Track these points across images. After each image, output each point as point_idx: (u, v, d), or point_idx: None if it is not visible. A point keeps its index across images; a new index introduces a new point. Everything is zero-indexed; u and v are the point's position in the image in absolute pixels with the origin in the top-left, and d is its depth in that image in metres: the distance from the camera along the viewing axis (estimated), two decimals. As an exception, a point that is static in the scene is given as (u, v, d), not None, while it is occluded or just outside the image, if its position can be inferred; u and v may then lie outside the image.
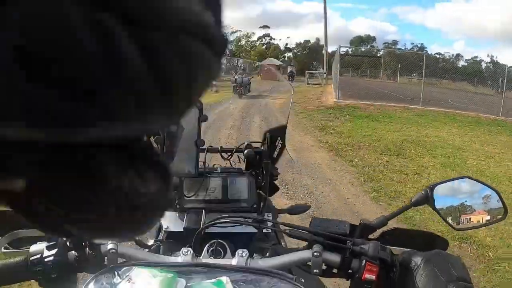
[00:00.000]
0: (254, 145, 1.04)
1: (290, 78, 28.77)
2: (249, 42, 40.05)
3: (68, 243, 0.59)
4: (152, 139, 0.89)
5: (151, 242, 0.85)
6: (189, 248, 0.63)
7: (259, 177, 0.98)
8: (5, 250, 0.70)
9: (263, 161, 0.97)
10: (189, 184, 0.93)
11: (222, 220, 0.70)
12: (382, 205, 3.42)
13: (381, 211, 3.15)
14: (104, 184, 0.13)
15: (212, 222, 0.70)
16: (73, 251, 0.59)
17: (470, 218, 0.69)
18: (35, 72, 0.10)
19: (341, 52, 11.35)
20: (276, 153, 1.01)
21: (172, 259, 0.64)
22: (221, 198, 0.94)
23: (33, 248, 0.59)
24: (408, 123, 7.95)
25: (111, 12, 0.10)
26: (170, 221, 0.92)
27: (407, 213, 2.90)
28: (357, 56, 19.94)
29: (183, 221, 0.88)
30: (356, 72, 19.99)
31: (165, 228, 0.91)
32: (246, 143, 1.04)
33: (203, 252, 0.70)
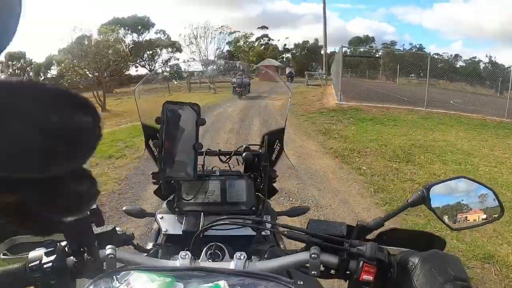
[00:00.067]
0: (252, 148, 1.04)
1: (289, 79, 28.66)
2: (247, 43, 39.81)
3: (66, 249, 0.59)
4: (150, 142, 0.91)
5: (150, 245, 0.85)
6: (188, 252, 0.63)
7: (258, 180, 0.99)
8: (4, 257, 0.71)
9: (261, 164, 0.97)
10: (188, 187, 0.94)
11: (219, 223, 0.69)
12: (397, 220, 3.14)
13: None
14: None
15: (210, 225, 0.69)
16: (71, 257, 0.59)
17: (466, 217, 0.68)
18: None
19: (341, 53, 11.03)
20: (274, 155, 1.01)
21: (170, 263, 0.64)
22: (220, 201, 0.94)
23: (32, 254, 0.59)
24: (413, 126, 7.74)
25: None
26: (169, 224, 0.92)
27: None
28: (357, 57, 19.71)
29: (182, 224, 0.88)
30: (355, 73, 19.82)
31: (164, 231, 0.91)
32: (244, 146, 1.04)
33: (202, 255, 0.70)
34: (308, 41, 45.86)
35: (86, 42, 16.29)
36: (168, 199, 1.00)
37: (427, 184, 0.68)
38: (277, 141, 1.01)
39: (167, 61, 38.54)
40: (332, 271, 0.64)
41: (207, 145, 1.04)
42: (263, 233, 0.86)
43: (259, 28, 45.99)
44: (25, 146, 0.15)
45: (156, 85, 1.41)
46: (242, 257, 0.62)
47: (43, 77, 34.74)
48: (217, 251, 0.71)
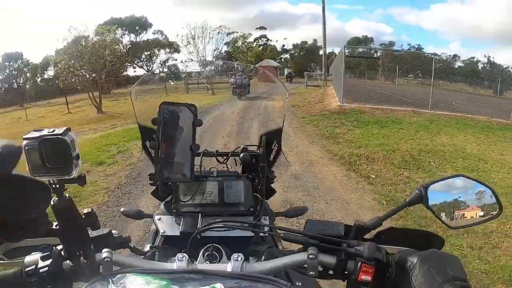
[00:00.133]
0: (250, 148, 1.04)
1: (289, 79, 28.49)
2: (245, 43, 39.50)
3: (62, 253, 0.59)
4: (147, 143, 0.91)
5: (147, 247, 0.85)
6: (185, 254, 0.62)
7: (256, 181, 0.99)
8: (0, 261, 0.71)
9: (259, 165, 0.97)
10: (185, 188, 0.94)
11: (216, 225, 0.68)
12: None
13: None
14: None
15: (206, 227, 0.68)
16: (67, 261, 0.59)
17: (464, 214, 0.68)
18: None
19: (343, 53, 10.69)
20: (272, 156, 1.01)
21: (167, 265, 0.64)
22: (218, 202, 0.95)
23: (28, 258, 0.58)
24: (419, 129, 7.50)
25: None
26: (167, 226, 0.93)
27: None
28: (356, 57, 19.49)
29: (180, 225, 0.89)
30: (353, 73, 19.63)
31: (162, 233, 0.92)
32: (242, 147, 1.04)
33: (199, 257, 0.70)
34: (306, 42, 45.81)
35: (83, 43, 15.91)
36: (166, 200, 1.00)
37: (425, 183, 0.67)
38: (275, 141, 1.01)
39: (165, 61, 38.28)
40: (330, 272, 0.63)
41: (205, 146, 1.04)
42: (261, 234, 0.87)
43: (257, 28, 45.89)
44: None
45: (153, 86, 1.39)
46: (239, 259, 0.61)
47: (40, 78, 34.31)
48: (214, 253, 0.71)
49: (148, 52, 39.47)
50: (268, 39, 45.61)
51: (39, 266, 0.56)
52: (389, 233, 0.69)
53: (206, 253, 0.71)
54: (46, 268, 0.56)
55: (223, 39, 32.41)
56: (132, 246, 0.74)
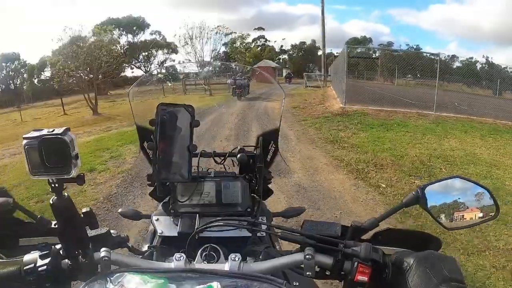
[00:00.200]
0: (247, 149, 1.05)
1: (288, 80, 28.26)
2: (244, 44, 39.24)
3: (61, 252, 0.59)
4: (145, 144, 0.92)
5: (145, 247, 0.85)
6: (182, 254, 0.62)
7: (253, 181, 0.99)
8: None
9: (256, 165, 0.97)
10: (183, 189, 0.94)
11: (213, 225, 0.68)
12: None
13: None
14: None
15: (204, 227, 0.69)
16: (66, 260, 0.59)
17: (463, 216, 0.68)
18: None
19: (346, 53, 10.37)
20: (269, 157, 1.02)
21: (164, 265, 0.64)
22: (215, 202, 0.95)
23: (27, 257, 0.59)
24: (426, 133, 7.28)
25: None
26: (165, 226, 0.92)
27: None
28: (356, 58, 19.25)
29: (178, 225, 0.89)
30: (352, 74, 19.44)
31: (160, 233, 0.91)
32: (239, 147, 1.05)
33: (197, 257, 0.70)
34: (305, 42, 45.62)
35: (80, 43, 15.55)
36: (164, 201, 1.00)
37: (422, 184, 0.67)
38: (272, 142, 1.01)
39: (162, 62, 37.96)
40: (327, 272, 0.63)
41: (203, 147, 1.05)
42: (258, 234, 0.86)
43: (255, 29, 45.66)
44: None
45: (150, 87, 1.38)
46: (236, 259, 0.61)
47: (37, 79, 33.97)
48: (212, 253, 0.71)
49: (146, 53, 39.12)
50: (266, 40, 45.46)
51: (37, 264, 0.57)
52: (386, 234, 0.69)
53: (204, 253, 0.71)
54: (45, 267, 0.57)
55: (221, 40, 32.10)
56: (130, 246, 0.75)
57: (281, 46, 46.25)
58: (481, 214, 0.68)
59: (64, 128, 0.52)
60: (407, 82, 20.78)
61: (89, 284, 0.51)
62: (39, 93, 31.14)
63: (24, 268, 0.56)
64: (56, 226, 0.57)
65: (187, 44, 27.69)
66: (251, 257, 0.72)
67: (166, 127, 0.78)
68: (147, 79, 1.31)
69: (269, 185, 1.06)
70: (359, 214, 3.30)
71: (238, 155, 1.02)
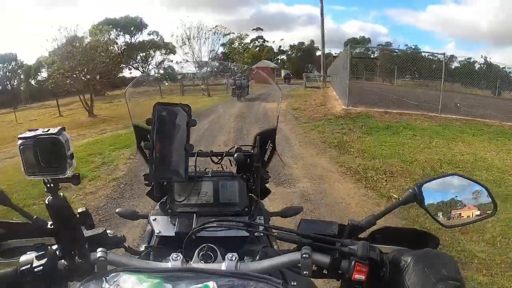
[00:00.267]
0: (244, 148, 1.05)
1: (287, 80, 28.00)
2: (242, 44, 38.96)
3: (57, 252, 0.59)
4: (142, 144, 0.92)
5: (143, 247, 0.86)
6: (179, 254, 0.63)
7: (250, 181, 1.00)
8: None
9: (253, 165, 0.98)
10: (180, 189, 0.94)
11: (210, 224, 0.69)
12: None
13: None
14: None
15: (201, 227, 0.69)
16: (62, 260, 0.60)
17: (460, 213, 0.67)
18: None
19: (349, 53, 10.07)
20: (266, 156, 1.02)
21: (161, 264, 0.64)
22: (213, 202, 0.95)
23: (23, 258, 0.59)
24: (434, 136, 7.06)
25: None
26: (162, 226, 0.93)
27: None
28: (355, 58, 19.02)
29: (175, 225, 0.89)
30: (352, 75, 19.23)
31: (157, 233, 0.92)
32: (236, 147, 1.05)
33: (194, 257, 0.70)
34: (303, 43, 45.43)
35: (76, 43, 15.20)
36: (161, 200, 1.00)
37: (419, 182, 0.66)
38: (269, 141, 1.02)
39: (160, 62, 37.58)
40: (324, 271, 0.62)
41: (202, 147, 1.05)
42: (256, 233, 0.88)
43: (253, 29, 45.44)
44: None
45: (147, 87, 1.34)
46: (233, 258, 0.62)
47: (33, 80, 33.60)
48: (209, 253, 0.71)
49: (144, 53, 38.76)
50: (264, 40, 45.33)
51: (34, 265, 0.57)
52: (384, 232, 0.69)
53: (201, 253, 0.71)
54: (41, 268, 0.56)
55: (219, 40, 31.74)
56: (127, 246, 0.74)
57: (280, 46, 46.15)
58: (478, 212, 0.68)
59: (59, 127, 0.52)
60: (406, 83, 20.63)
61: (84, 284, 0.52)
62: (36, 94, 30.83)
63: (21, 268, 0.57)
64: (52, 226, 0.58)
65: (185, 44, 27.34)
66: (248, 256, 0.72)
67: (163, 126, 0.78)
68: (144, 79, 1.31)
69: (266, 185, 1.06)
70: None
71: (235, 155, 1.02)
